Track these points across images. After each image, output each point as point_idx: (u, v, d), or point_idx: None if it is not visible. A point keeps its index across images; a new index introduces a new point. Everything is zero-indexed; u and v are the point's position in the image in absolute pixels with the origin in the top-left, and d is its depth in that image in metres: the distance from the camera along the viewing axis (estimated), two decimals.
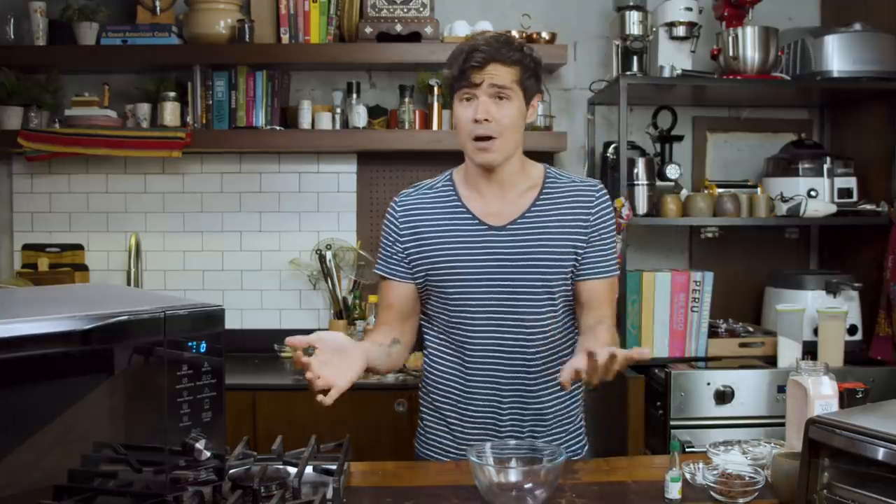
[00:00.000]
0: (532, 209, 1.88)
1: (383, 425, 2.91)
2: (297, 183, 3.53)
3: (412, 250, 1.90)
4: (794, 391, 1.77)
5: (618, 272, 1.94)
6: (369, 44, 3.23)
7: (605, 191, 1.93)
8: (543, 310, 1.86)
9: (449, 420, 1.92)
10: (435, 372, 1.95)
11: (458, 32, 3.27)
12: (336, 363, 1.63)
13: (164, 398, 1.37)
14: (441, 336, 1.93)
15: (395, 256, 1.92)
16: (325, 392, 1.60)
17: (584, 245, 1.87)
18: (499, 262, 1.84)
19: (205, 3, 3.23)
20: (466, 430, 1.90)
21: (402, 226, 1.92)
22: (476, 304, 1.85)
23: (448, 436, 1.93)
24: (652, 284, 3.06)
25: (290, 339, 1.59)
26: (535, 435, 1.88)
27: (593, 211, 1.88)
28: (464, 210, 1.89)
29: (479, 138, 1.80)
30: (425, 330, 1.98)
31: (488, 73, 1.78)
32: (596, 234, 1.88)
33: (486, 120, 1.79)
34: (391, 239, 1.93)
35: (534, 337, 1.86)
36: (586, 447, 2.01)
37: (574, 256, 1.86)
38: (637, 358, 1.59)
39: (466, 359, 1.88)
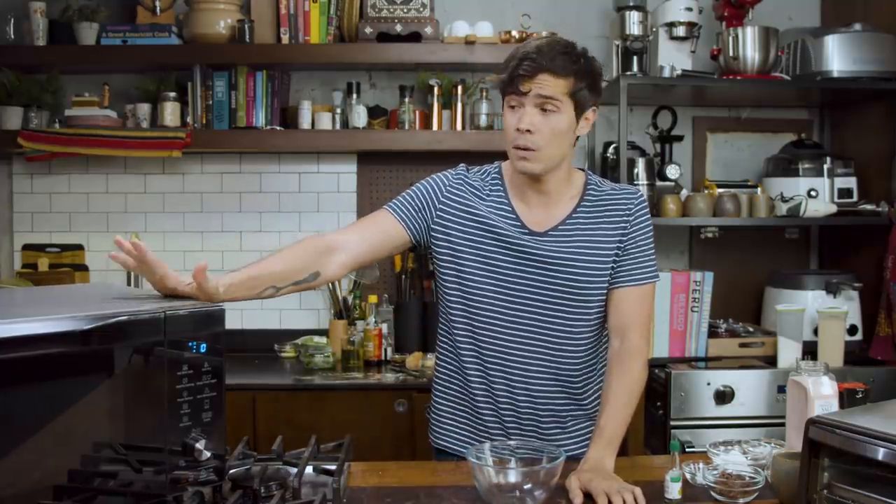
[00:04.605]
0: (571, 217, 1.87)
1: (383, 425, 2.90)
2: (297, 183, 3.53)
3: (442, 224, 1.87)
4: (794, 391, 1.77)
5: (654, 281, 1.89)
6: (369, 44, 3.23)
7: (643, 198, 1.92)
8: (576, 318, 1.85)
9: (465, 411, 1.92)
10: (448, 367, 1.94)
11: (458, 32, 3.27)
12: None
13: (164, 398, 1.37)
14: (461, 331, 1.90)
15: (414, 205, 1.89)
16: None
17: (621, 253, 1.86)
18: (534, 267, 1.83)
19: (205, 3, 3.23)
20: (481, 423, 1.90)
21: (445, 194, 1.89)
22: (506, 304, 1.85)
23: (464, 426, 1.93)
24: None
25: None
26: (548, 435, 1.88)
27: (631, 219, 1.87)
28: (510, 210, 1.88)
29: (519, 147, 1.79)
30: (442, 323, 1.96)
31: (536, 83, 1.74)
32: (632, 241, 1.87)
33: (529, 131, 1.76)
34: (426, 194, 1.89)
35: (564, 345, 1.86)
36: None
37: (611, 265, 1.85)
38: None
39: (485, 358, 1.88)
